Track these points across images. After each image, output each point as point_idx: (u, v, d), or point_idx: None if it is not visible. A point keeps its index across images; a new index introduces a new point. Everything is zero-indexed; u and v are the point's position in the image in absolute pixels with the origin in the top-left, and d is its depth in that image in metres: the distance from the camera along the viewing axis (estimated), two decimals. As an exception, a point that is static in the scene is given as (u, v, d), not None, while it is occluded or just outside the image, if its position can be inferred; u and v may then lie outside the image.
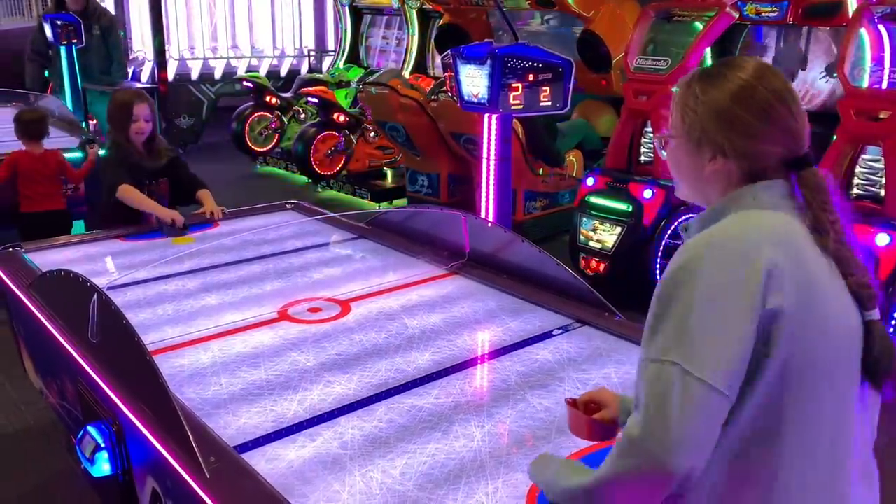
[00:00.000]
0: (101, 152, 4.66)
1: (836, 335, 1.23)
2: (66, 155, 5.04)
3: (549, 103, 4.65)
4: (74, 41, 7.54)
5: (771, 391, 1.18)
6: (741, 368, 1.15)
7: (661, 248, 4.66)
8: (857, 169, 4.29)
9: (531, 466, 1.43)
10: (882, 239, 3.86)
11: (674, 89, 1.39)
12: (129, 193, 3.62)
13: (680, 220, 4.64)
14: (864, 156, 4.27)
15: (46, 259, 3.16)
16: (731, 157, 1.29)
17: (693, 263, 1.19)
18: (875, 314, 1.26)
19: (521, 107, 4.55)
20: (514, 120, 5.09)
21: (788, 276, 1.17)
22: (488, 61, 4.37)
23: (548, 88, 4.59)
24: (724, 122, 1.28)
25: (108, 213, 3.71)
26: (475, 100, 4.56)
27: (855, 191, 4.32)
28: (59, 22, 7.53)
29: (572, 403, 1.54)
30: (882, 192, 4.15)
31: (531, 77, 4.51)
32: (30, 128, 4.73)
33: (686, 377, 1.12)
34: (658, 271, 4.65)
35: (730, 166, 1.30)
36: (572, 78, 4.68)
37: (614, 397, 1.53)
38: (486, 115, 4.61)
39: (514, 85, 4.45)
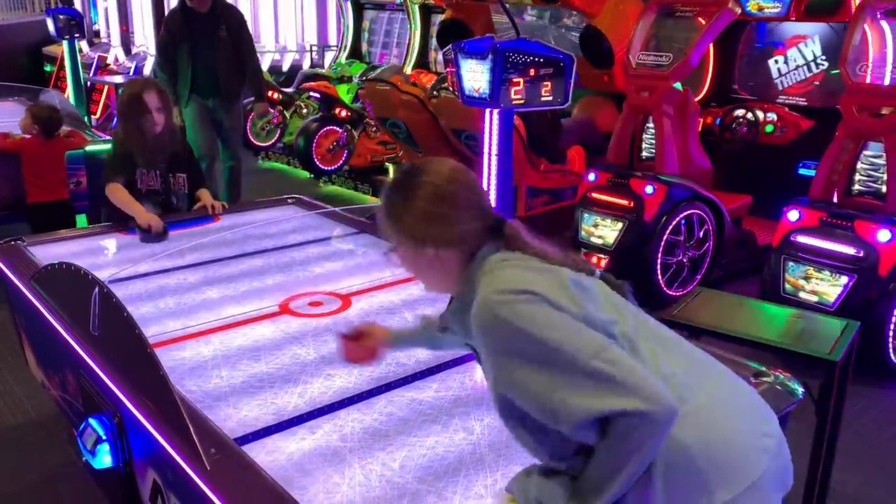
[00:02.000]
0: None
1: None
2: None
3: (551, 98, 4.64)
4: (77, 35, 7.55)
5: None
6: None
7: (662, 244, 4.66)
8: (859, 165, 4.28)
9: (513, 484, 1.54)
10: (884, 235, 3.86)
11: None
12: (116, 193, 3.58)
13: (678, 221, 4.62)
14: (865, 152, 4.27)
15: (48, 252, 3.17)
16: (445, 246, 1.48)
17: (510, 316, 1.32)
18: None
19: (521, 101, 4.54)
20: (515, 116, 5.08)
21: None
22: (489, 56, 4.36)
23: (549, 83, 4.58)
24: (429, 221, 1.47)
25: (110, 207, 3.70)
26: (476, 94, 4.55)
27: (856, 187, 4.31)
28: (61, 17, 7.55)
29: (342, 335, 1.86)
30: (883, 189, 4.15)
31: (532, 72, 4.50)
32: (42, 123, 4.89)
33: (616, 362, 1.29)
34: (659, 267, 4.65)
35: (449, 254, 1.49)
36: (573, 73, 4.68)
37: (381, 331, 1.87)
38: (488, 110, 4.61)
39: (515, 79, 4.45)
